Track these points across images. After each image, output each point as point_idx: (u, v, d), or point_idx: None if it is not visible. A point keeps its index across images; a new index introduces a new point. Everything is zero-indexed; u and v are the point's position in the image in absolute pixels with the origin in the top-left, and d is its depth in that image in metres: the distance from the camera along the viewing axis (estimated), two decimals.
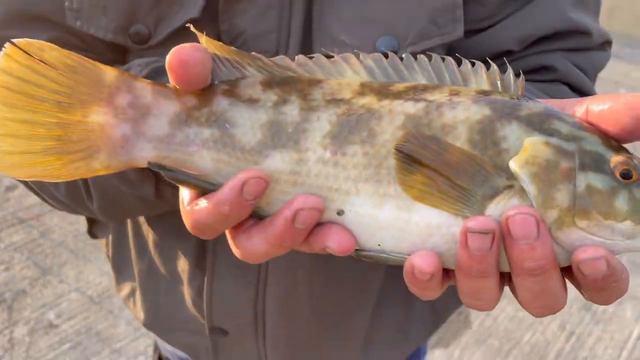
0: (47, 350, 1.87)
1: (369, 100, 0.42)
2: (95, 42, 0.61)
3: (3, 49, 0.39)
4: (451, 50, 0.64)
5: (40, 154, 0.40)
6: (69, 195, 0.64)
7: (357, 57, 0.44)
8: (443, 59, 0.43)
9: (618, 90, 3.72)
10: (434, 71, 0.43)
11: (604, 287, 0.38)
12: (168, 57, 0.39)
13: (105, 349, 1.89)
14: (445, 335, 2.01)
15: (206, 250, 0.70)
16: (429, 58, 0.43)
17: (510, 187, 0.39)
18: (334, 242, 0.40)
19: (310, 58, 0.44)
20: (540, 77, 0.66)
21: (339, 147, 0.41)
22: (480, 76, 0.43)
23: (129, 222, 0.77)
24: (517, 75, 0.43)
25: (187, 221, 0.42)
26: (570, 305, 2.18)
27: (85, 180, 0.62)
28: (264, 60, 0.44)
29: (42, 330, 1.93)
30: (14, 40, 0.39)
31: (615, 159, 0.39)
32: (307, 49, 0.60)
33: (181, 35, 0.58)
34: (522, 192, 0.38)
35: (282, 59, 0.44)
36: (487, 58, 0.44)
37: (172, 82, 0.41)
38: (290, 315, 0.72)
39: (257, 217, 0.42)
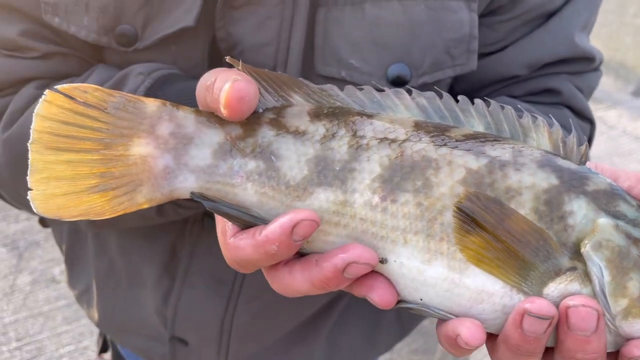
0: (44, 303, 1.92)
1: (425, 146, 0.39)
2: (72, 38, 0.56)
3: (43, 95, 0.39)
4: (459, 74, 0.62)
5: (84, 193, 0.40)
6: None
7: (409, 93, 0.42)
8: (502, 107, 0.41)
9: None
10: (491, 119, 0.41)
11: None
12: (225, 93, 0.38)
13: None
14: None
15: (178, 256, 0.67)
16: (487, 104, 0.41)
17: (573, 269, 0.37)
18: (377, 296, 0.39)
19: (360, 89, 0.42)
20: (545, 99, 0.65)
21: (389, 193, 0.39)
22: (542, 133, 0.40)
23: None
24: (580, 142, 0.41)
25: (227, 254, 0.41)
26: None
27: None
28: (311, 86, 0.42)
29: (44, 283, 1.99)
30: (57, 87, 0.39)
31: None
32: (308, 67, 0.57)
33: (171, 40, 0.55)
34: (584, 276, 0.37)
35: (330, 88, 0.42)
36: (550, 115, 0.43)
37: (224, 115, 0.39)
38: (259, 332, 0.70)
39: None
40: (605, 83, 4.88)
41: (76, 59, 0.58)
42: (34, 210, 0.40)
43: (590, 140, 0.71)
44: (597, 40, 0.70)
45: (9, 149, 0.55)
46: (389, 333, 0.78)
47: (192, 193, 0.41)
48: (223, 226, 0.41)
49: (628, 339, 0.38)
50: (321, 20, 0.56)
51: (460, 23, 0.57)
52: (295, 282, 0.40)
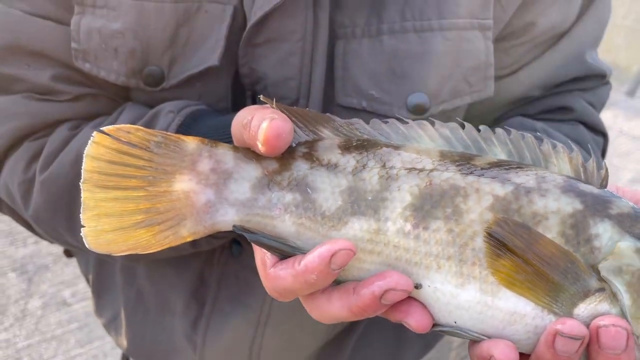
0: (56, 326, 1.93)
1: (452, 174, 0.41)
2: (101, 80, 0.58)
3: (91, 137, 0.41)
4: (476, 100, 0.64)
5: (132, 228, 0.42)
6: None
7: (432, 124, 0.44)
8: (523, 136, 0.43)
9: None
10: (513, 147, 0.43)
11: None
12: (264, 131, 0.40)
13: (108, 335, 1.93)
14: None
15: (206, 283, 0.69)
16: (508, 133, 0.43)
17: (602, 290, 0.39)
18: (414, 321, 0.41)
19: (385, 122, 0.44)
20: (558, 116, 0.67)
21: (421, 221, 0.41)
22: (562, 159, 0.42)
23: None
24: (599, 166, 0.42)
25: (267, 284, 0.43)
26: None
27: None
28: (338, 121, 0.44)
29: (55, 306, 1.99)
30: (103, 128, 0.42)
31: None
32: (329, 98, 0.59)
33: (195, 78, 0.57)
34: (613, 296, 0.39)
35: (356, 121, 0.44)
36: (569, 141, 0.44)
37: (262, 151, 0.41)
38: (286, 355, 0.71)
39: None
40: None
41: (105, 98, 0.61)
42: (86, 246, 0.42)
43: (603, 153, 0.73)
44: None
45: (46, 190, 0.57)
46: (413, 349, 0.80)
47: (234, 226, 0.43)
48: (262, 257, 0.43)
49: None
50: (340, 53, 0.58)
51: (477, 52, 0.59)
52: (334, 309, 0.41)
